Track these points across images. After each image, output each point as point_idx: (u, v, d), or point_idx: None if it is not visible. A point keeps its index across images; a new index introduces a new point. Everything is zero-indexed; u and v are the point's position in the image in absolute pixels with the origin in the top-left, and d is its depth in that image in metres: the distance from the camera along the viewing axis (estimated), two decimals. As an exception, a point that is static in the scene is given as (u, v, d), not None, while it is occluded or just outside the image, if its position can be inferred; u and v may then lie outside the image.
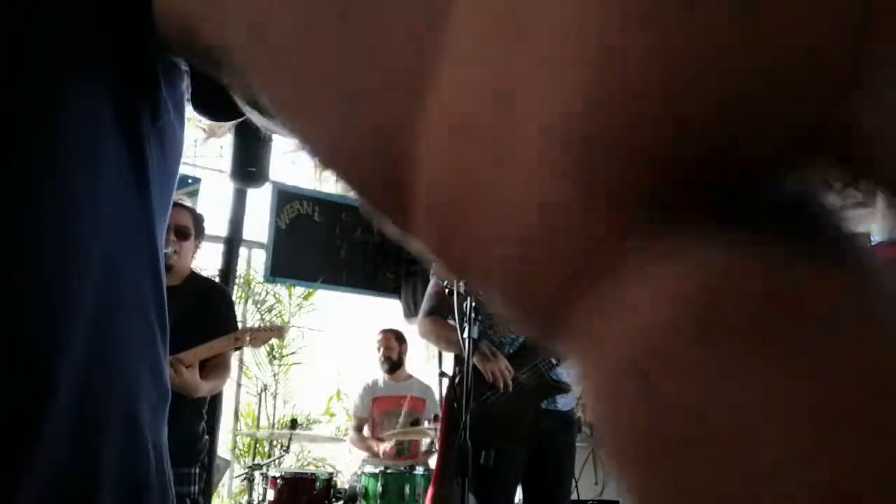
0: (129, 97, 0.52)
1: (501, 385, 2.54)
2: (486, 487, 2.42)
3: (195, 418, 2.62)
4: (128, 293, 0.52)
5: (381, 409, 4.39)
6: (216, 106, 0.62)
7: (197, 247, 2.82)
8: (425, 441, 4.15)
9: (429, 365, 5.54)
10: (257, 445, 4.80)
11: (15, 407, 0.43)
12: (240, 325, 2.94)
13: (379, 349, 4.52)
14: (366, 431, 4.43)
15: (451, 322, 2.76)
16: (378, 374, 4.55)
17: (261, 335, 2.77)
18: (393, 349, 4.49)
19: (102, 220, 0.48)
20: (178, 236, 2.67)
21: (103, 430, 0.49)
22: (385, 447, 4.16)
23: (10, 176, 0.44)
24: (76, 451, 0.46)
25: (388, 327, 4.63)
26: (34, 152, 0.45)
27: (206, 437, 2.79)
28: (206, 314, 2.64)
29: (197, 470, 2.59)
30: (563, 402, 2.70)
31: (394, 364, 4.48)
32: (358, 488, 3.54)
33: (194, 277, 2.83)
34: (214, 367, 2.64)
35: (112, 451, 0.49)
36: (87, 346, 0.47)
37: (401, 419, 4.30)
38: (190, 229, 2.70)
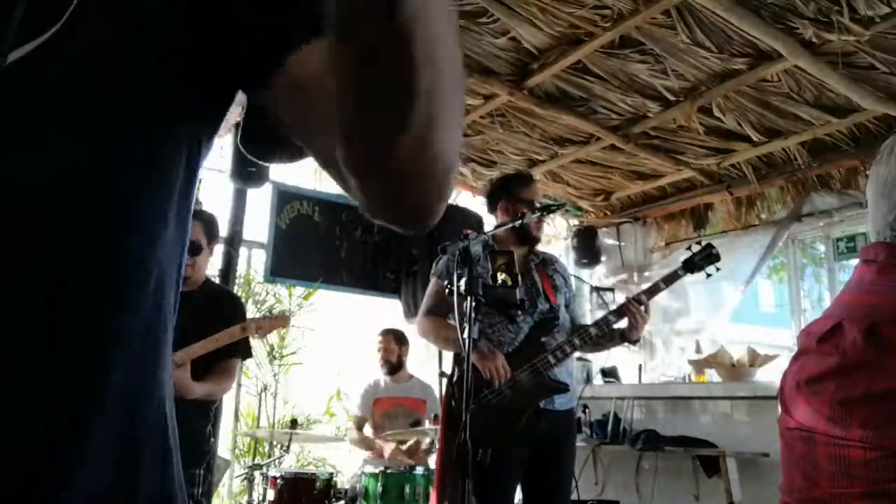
0: (204, 131, 0.54)
1: (498, 383, 2.53)
2: (485, 487, 2.41)
3: (202, 420, 2.62)
4: (167, 312, 0.53)
5: (382, 410, 4.39)
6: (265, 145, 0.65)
7: (211, 253, 2.83)
8: (425, 441, 4.15)
9: (429, 365, 5.53)
10: (257, 445, 4.80)
11: (58, 426, 0.43)
12: None
13: (379, 351, 4.51)
14: (367, 431, 4.42)
15: (451, 321, 2.75)
16: (379, 375, 4.55)
17: (266, 325, 2.76)
18: (392, 352, 4.49)
19: (162, 247, 0.49)
20: (190, 253, 2.65)
21: (142, 447, 0.50)
22: (388, 449, 4.16)
23: (101, 206, 0.47)
24: (118, 467, 0.48)
25: (388, 327, 4.62)
26: (128, 187, 0.49)
27: (213, 438, 2.79)
28: (218, 320, 2.64)
29: (202, 471, 2.59)
30: (562, 402, 2.69)
31: (393, 367, 4.48)
32: (358, 488, 3.54)
33: (209, 284, 2.85)
34: (220, 371, 2.63)
35: (148, 465, 0.50)
36: (133, 365, 0.48)
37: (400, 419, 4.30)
38: (201, 242, 2.69)
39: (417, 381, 4.54)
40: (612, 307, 4.60)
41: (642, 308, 2.66)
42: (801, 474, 0.98)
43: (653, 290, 2.73)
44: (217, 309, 2.71)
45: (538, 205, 2.80)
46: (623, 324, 2.74)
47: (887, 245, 1.02)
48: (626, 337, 2.74)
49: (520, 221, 2.68)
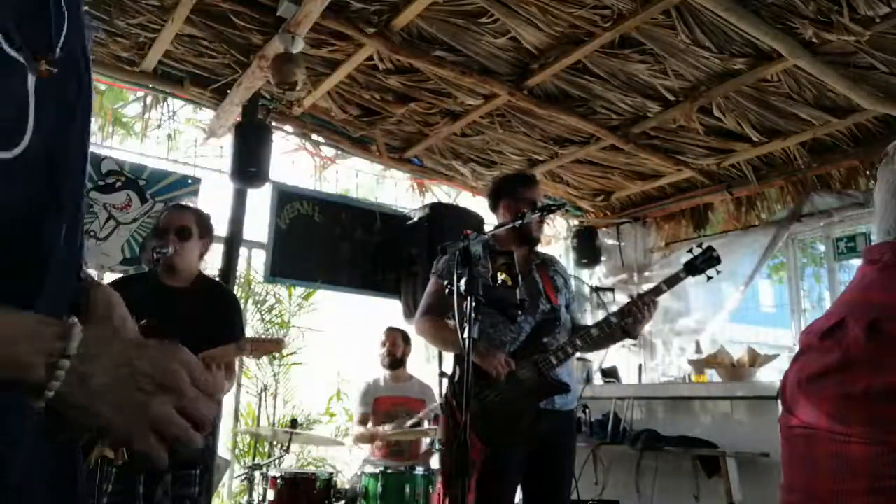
0: None
1: (503, 376, 2.53)
2: (485, 487, 2.41)
3: None
4: None
5: (382, 410, 4.39)
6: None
7: (204, 247, 2.80)
8: (425, 441, 4.15)
9: (429, 365, 5.53)
10: (257, 445, 4.80)
11: None
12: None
13: (384, 345, 4.50)
14: (369, 426, 4.42)
15: (449, 321, 2.75)
16: (379, 374, 4.55)
17: (261, 347, 2.75)
18: (398, 347, 4.48)
19: None
20: (179, 236, 2.66)
21: None
22: (386, 428, 4.16)
23: None
24: None
25: (394, 325, 4.62)
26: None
27: (211, 438, 2.77)
28: (213, 317, 2.62)
29: (198, 471, 2.58)
30: (562, 402, 2.69)
31: (395, 361, 4.47)
32: (358, 488, 3.54)
33: (202, 279, 2.81)
34: (225, 370, 2.63)
35: None
36: None
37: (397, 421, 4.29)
38: (191, 229, 2.69)
39: (417, 382, 4.54)
40: (613, 307, 4.58)
41: (649, 306, 2.66)
42: (803, 472, 0.98)
43: (655, 292, 2.72)
44: (212, 306, 2.68)
45: (539, 205, 2.79)
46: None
47: (893, 244, 1.02)
48: (628, 332, 2.72)
49: (520, 221, 2.68)
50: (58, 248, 0.64)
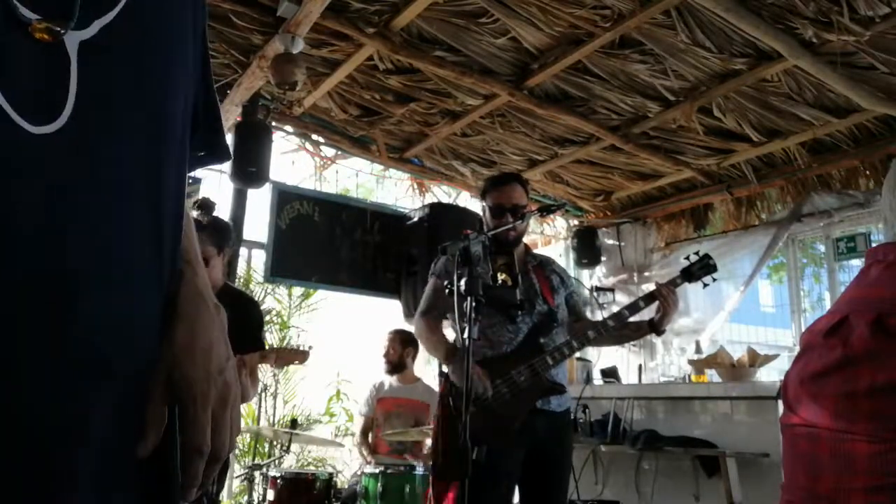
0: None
1: (483, 386, 2.52)
2: (482, 487, 2.40)
3: None
4: None
5: (385, 410, 4.39)
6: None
7: (225, 257, 2.76)
8: (427, 442, 4.15)
9: (429, 366, 5.53)
10: (257, 445, 4.80)
11: None
12: None
13: (383, 348, 4.52)
14: (370, 437, 4.43)
15: (448, 321, 2.74)
16: (384, 376, 4.55)
17: (285, 356, 2.75)
18: (394, 352, 4.48)
19: None
20: None
21: None
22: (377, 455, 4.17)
23: None
24: None
25: (398, 328, 4.62)
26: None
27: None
28: (236, 327, 2.60)
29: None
30: (557, 403, 2.69)
31: (394, 366, 4.47)
32: (358, 488, 3.54)
33: (227, 290, 2.79)
34: (249, 376, 2.65)
35: None
36: None
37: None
38: (210, 252, 2.61)
39: (422, 384, 4.54)
40: (614, 307, 4.57)
41: (673, 296, 2.68)
42: (804, 471, 0.98)
43: (652, 297, 2.73)
44: (236, 316, 2.66)
45: (507, 208, 2.75)
46: (645, 315, 2.74)
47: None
48: (656, 327, 2.72)
49: (511, 224, 2.68)
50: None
